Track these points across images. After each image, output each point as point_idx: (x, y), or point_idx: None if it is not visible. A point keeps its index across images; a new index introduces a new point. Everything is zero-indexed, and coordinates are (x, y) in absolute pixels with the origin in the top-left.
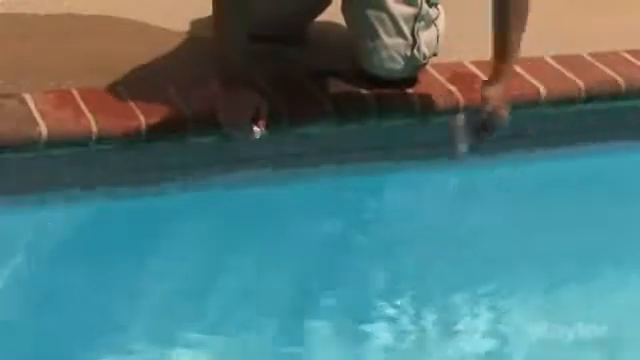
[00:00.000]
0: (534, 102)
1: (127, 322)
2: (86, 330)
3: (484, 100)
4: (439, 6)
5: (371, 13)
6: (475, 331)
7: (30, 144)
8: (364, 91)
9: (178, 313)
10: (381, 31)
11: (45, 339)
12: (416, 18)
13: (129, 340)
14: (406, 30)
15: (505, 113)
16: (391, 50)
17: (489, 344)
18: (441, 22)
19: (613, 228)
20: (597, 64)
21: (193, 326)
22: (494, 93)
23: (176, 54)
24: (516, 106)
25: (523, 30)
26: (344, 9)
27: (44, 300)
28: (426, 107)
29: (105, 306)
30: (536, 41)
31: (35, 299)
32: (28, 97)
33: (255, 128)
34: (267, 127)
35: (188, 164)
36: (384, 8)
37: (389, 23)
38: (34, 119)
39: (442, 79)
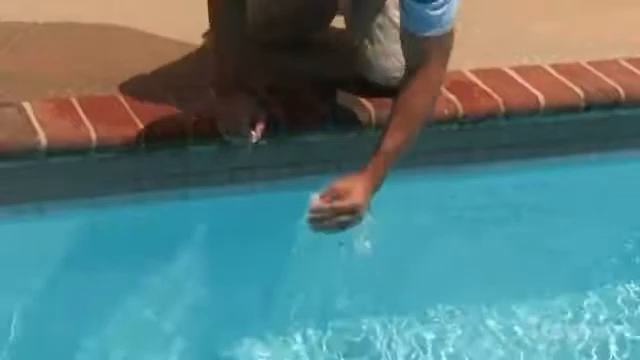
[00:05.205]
0: (533, 111)
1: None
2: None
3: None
4: None
5: (373, 19)
6: None
7: (29, 153)
8: (363, 99)
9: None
10: (382, 37)
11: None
12: None
13: None
14: None
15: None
16: (391, 57)
17: None
18: None
19: (611, 235)
20: (596, 73)
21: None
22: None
23: (176, 63)
24: (515, 115)
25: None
26: (346, 14)
27: (34, 309)
28: None
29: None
30: (535, 49)
31: (30, 306)
32: (27, 106)
33: (252, 133)
34: (265, 134)
35: (188, 172)
36: (386, 15)
37: (391, 30)
38: (33, 128)
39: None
